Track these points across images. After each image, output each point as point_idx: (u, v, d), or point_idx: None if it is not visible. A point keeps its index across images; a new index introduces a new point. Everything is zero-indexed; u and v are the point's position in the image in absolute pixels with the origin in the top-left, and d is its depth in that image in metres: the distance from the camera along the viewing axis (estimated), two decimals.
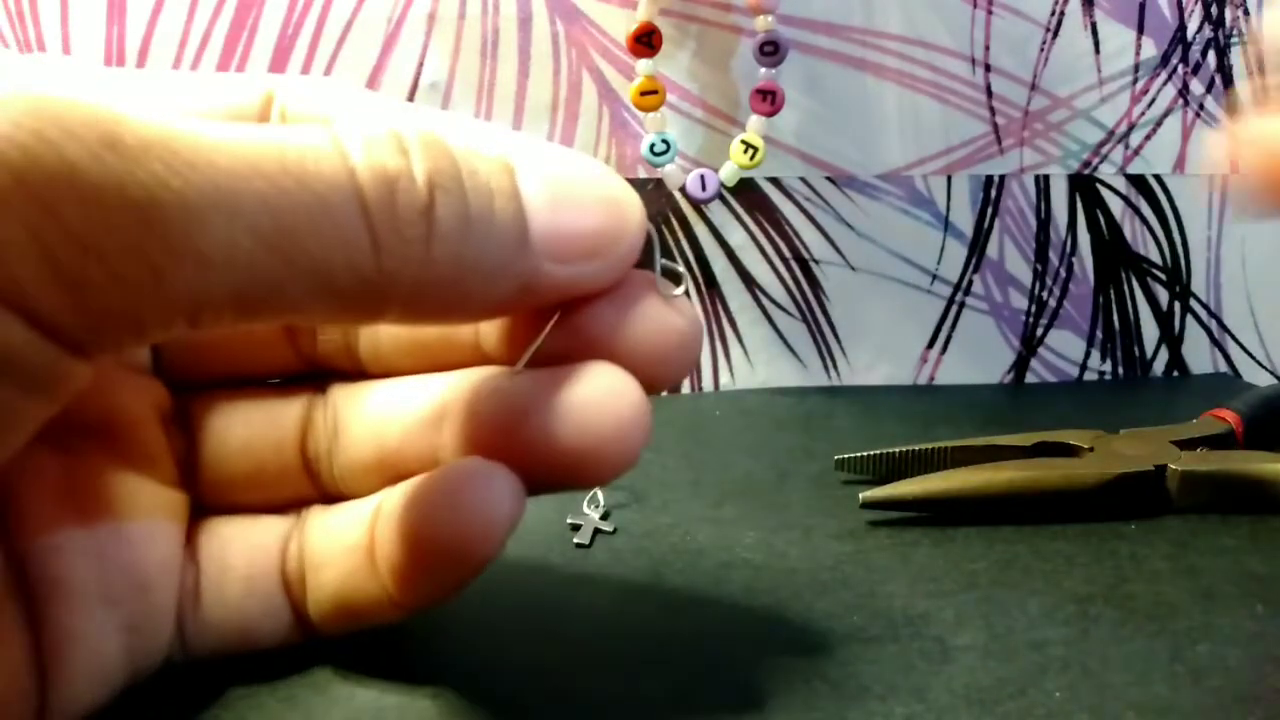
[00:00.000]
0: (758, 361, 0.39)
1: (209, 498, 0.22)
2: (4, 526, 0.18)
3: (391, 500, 0.20)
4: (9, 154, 0.13)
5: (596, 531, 0.27)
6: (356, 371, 0.23)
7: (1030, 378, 0.40)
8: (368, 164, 0.16)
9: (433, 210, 0.16)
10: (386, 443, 0.21)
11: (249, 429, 0.22)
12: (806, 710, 0.20)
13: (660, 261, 0.20)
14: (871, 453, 0.30)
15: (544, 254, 0.18)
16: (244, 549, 0.21)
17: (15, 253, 0.13)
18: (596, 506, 0.28)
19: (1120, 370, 0.41)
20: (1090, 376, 0.41)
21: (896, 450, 0.30)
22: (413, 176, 0.16)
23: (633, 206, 0.19)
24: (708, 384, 0.39)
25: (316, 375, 0.23)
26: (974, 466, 0.28)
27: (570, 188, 0.18)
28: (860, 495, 0.28)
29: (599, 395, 0.18)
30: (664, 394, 0.39)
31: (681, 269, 0.21)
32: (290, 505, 0.22)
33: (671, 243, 0.38)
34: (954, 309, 0.39)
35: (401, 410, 0.21)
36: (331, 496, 0.22)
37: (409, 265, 0.16)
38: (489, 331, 0.21)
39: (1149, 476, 0.28)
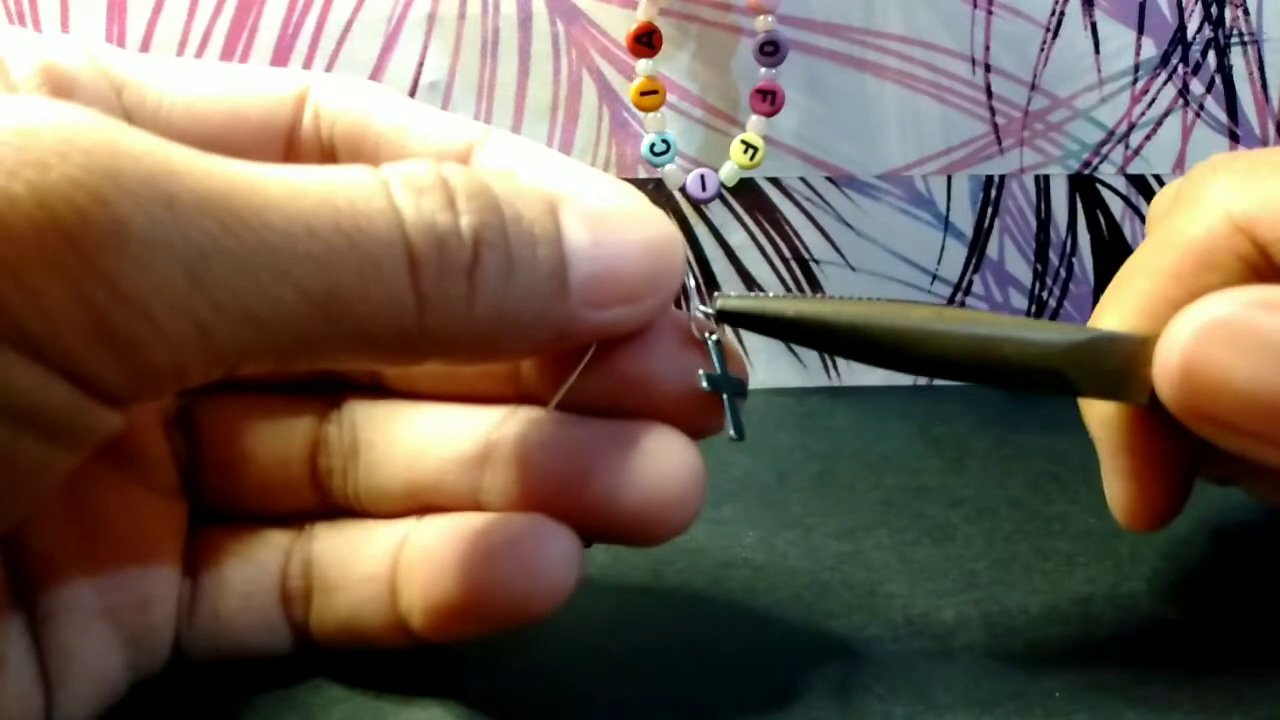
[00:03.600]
0: (758, 361, 0.39)
1: (210, 503, 0.22)
2: (9, 546, 0.18)
3: (426, 539, 0.20)
4: (62, 214, 0.13)
5: None
6: (373, 385, 0.22)
7: None
8: (418, 220, 0.15)
9: (477, 268, 0.16)
10: (420, 474, 0.20)
11: (256, 436, 0.22)
12: (806, 710, 0.20)
13: (696, 309, 0.20)
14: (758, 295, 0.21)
15: (582, 301, 0.17)
16: (241, 564, 0.21)
17: (63, 313, 0.13)
18: None
19: None
20: None
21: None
22: (460, 233, 0.16)
23: (675, 248, 0.18)
24: None
25: (328, 385, 0.22)
26: (884, 302, 0.20)
27: (614, 229, 0.18)
28: (717, 300, 0.20)
29: (664, 463, 0.18)
30: None
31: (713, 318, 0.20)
32: (292, 515, 0.21)
33: None
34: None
35: (439, 443, 0.20)
36: (338, 510, 0.21)
37: (451, 321, 0.16)
38: (527, 363, 0.21)
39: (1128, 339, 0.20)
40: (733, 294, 0.20)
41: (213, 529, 0.21)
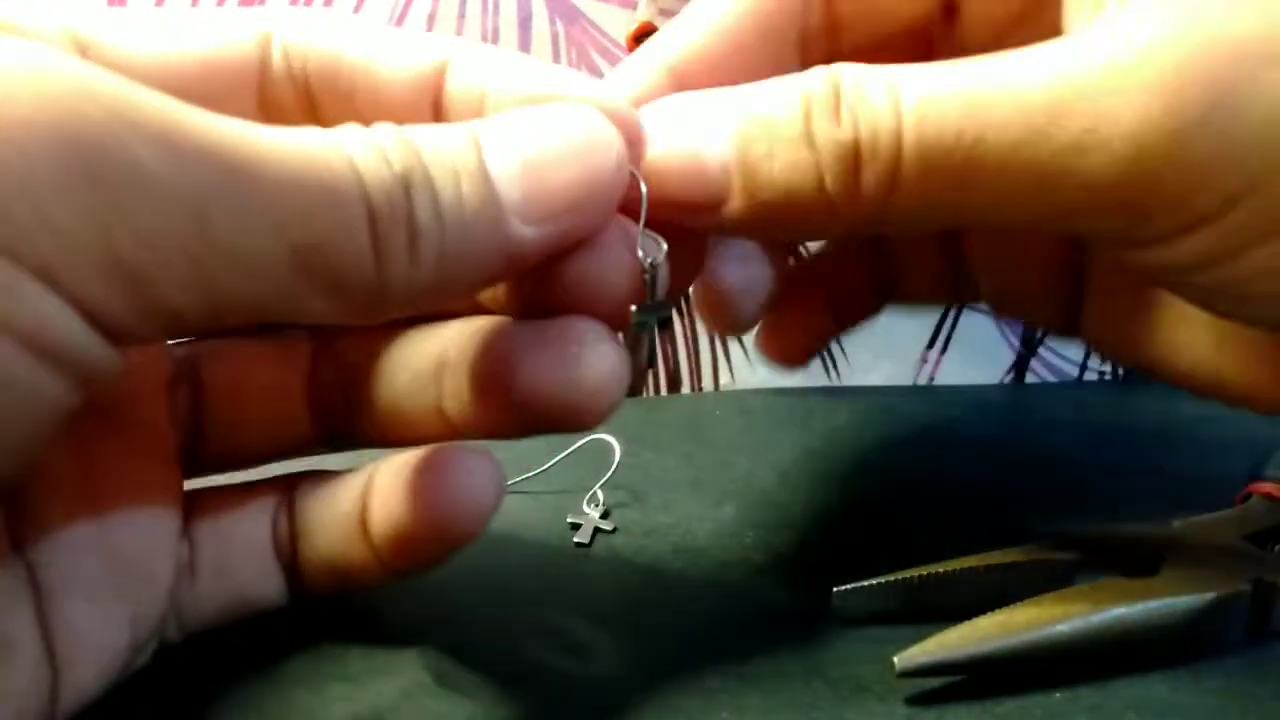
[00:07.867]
0: (758, 361, 0.39)
1: (211, 454, 0.23)
2: (14, 526, 0.18)
3: (383, 475, 0.21)
4: (86, 149, 0.14)
5: (596, 531, 0.27)
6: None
7: (1030, 378, 0.40)
8: (370, 177, 0.16)
9: (413, 214, 0.17)
10: (396, 392, 0.22)
11: (258, 375, 0.23)
12: (806, 710, 0.20)
13: (643, 232, 0.20)
14: (876, 581, 0.23)
15: (523, 220, 0.18)
16: (238, 518, 0.22)
17: (80, 243, 0.14)
18: (596, 506, 0.28)
19: (1120, 370, 0.41)
20: (1090, 376, 0.41)
21: (910, 576, 0.23)
22: (397, 182, 0.17)
23: (605, 147, 0.19)
24: (708, 384, 0.39)
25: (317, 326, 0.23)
26: (1026, 604, 0.22)
27: (541, 146, 0.18)
28: (896, 662, 0.20)
29: (583, 353, 0.19)
30: (664, 394, 0.39)
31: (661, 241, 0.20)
32: (291, 451, 0.23)
33: None
34: (954, 309, 0.39)
35: (407, 360, 0.22)
36: (337, 440, 0.23)
37: (399, 269, 0.17)
38: None
39: (1246, 596, 0.22)
40: (907, 653, 0.21)
41: (205, 493, 0.22)
